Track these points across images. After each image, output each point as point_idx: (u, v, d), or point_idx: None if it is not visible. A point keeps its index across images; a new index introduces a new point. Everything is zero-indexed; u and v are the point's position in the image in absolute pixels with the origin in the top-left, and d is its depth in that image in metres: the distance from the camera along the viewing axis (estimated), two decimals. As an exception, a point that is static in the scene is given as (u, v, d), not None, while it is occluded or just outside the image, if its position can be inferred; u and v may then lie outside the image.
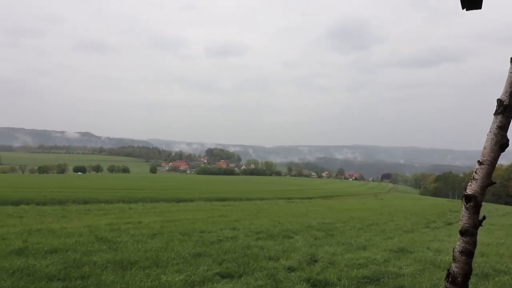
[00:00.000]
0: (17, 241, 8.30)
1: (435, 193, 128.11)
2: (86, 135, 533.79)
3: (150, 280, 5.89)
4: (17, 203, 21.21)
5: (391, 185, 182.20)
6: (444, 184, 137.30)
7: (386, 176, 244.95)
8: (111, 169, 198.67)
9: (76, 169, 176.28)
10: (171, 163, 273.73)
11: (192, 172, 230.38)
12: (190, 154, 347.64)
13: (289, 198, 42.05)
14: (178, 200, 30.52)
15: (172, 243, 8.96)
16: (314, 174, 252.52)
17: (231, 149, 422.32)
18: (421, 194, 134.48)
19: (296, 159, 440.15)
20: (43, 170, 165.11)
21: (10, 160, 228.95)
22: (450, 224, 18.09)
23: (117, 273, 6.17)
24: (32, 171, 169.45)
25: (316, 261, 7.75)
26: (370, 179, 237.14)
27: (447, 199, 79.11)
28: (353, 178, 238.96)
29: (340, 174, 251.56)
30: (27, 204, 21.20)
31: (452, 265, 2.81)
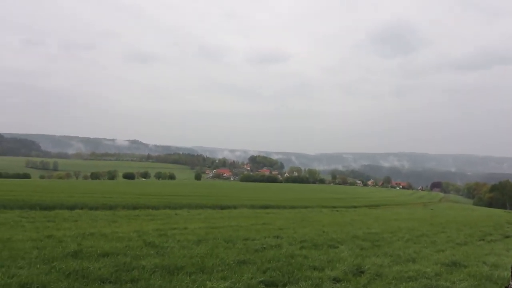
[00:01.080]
0: (73, 244, 8.77)
1: (491, 204, 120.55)
2: (135, 142, 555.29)
3: (196, 286, 6.01)
4: (72, 207, 22.40)
5: (441, 194, 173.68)
6: (500, 194, 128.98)
7: (436, 185, 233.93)
8: (158, 176, 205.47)
9: (126, 176, 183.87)
10: (215, 170, 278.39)
11: (235, 179, 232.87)
12: (233, 161, 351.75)
13: (334, 207, 41.29)
14: (222, 207, 30.91)
15: (216, 249, 9.09)
16: (359, 182, 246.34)
17: (274, 157, 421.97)
18: (475, 204, 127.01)
19: (340, 167, 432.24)
20: (95, 176, 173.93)
21: (66, 166, 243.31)
22: (508, 237, 16.94)
23: (164, 278, 6.35)
24: (85, 177, 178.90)
25: (362, 272, 7.54)
26: (418, 188, 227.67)
27: (504, 210, 74.18)
28: (401, 186, 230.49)
29: (387, 182, 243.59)
30: (81, 208, 22.33)
31: (511, 282, 2.64)
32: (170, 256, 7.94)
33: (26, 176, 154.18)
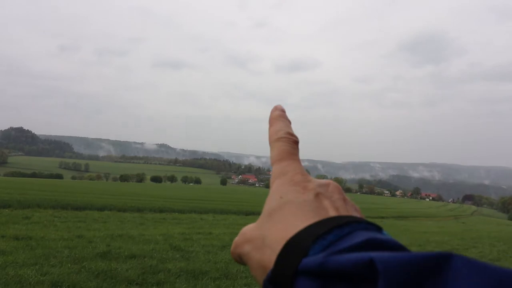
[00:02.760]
0: (102, 245, 9.00)
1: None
2: (163, 146, 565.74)
3: (220, 291, 6.06)
4: (101, 208, 22.93)
5: (474, 207, 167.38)
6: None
7: (468, 198, 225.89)
8: (184, 180, 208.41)
9: (153, 179, 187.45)
10: (240, 176, 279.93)
11: (261, 185, 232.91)
12: (259, 167, 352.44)
13: (360, 217, 40.52)
14: (247, 213, 30.90)
15: (241, 256, 9.11)
16: (387, 192, 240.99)
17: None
18: (510, 219, 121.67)
19: (367, 176, 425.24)
20: (124, 178, 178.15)
21: (97, 168, 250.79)
22: (545, 255, 16.12)
23: (189, 282, 6.43)
24: (114, 179, 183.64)
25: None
26: (449, 200, 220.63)
27: (541, 226, 70.55)
28: (430, 198, 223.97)
29: (416, 193, 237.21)
30: (110, 210, 22.80)
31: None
32: (195, 261, 8.03)
33: (59, 176, 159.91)
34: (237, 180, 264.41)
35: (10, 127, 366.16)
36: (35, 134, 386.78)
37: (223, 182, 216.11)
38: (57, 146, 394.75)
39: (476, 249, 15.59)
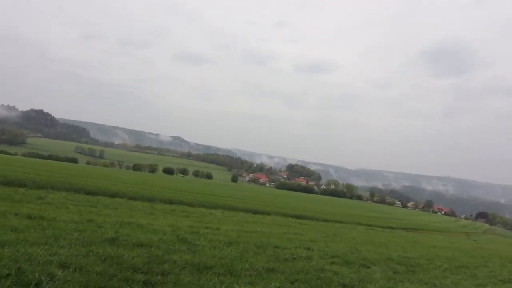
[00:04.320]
0: (111, 231, 9.11)
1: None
2: (177, 139, 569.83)
3: (223, 287, 6.05)
4: (113, 195, 23.24)
5: (487, 225, 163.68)
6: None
7: (482, 215, 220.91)
8: (196, 174, 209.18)
9: (165, 170, 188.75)
10: (251, 174, 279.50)
11: (271, 185, 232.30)
12: (271, 167, 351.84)
13: (369, 225, 40.05)
14: (255, 212, 30.90)
15: (247, 253, 9.10)
16: (398, 203, 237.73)
17: (312, 167, 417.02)
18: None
19: (379, 185, 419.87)
20: (137, 167, 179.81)
21: (111, 156, 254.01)
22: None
23: (193, 275, 6.45)
24: (127, 168, 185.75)
25: (394, 297, 7.27)
26: (462, 216, 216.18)
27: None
28: (443, 212, 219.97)
29: (428, 206, 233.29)
30: (121, 197, 23.10)
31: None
32: (200, 254, 8.05)
33: (74, 160, 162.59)
34: (248, 178, 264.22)
35: (31, 109, 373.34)
36: (54, 118, 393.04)
37: (234, 179, 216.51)
38: (74, 131, 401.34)
39: (486, 268, 15.24)
